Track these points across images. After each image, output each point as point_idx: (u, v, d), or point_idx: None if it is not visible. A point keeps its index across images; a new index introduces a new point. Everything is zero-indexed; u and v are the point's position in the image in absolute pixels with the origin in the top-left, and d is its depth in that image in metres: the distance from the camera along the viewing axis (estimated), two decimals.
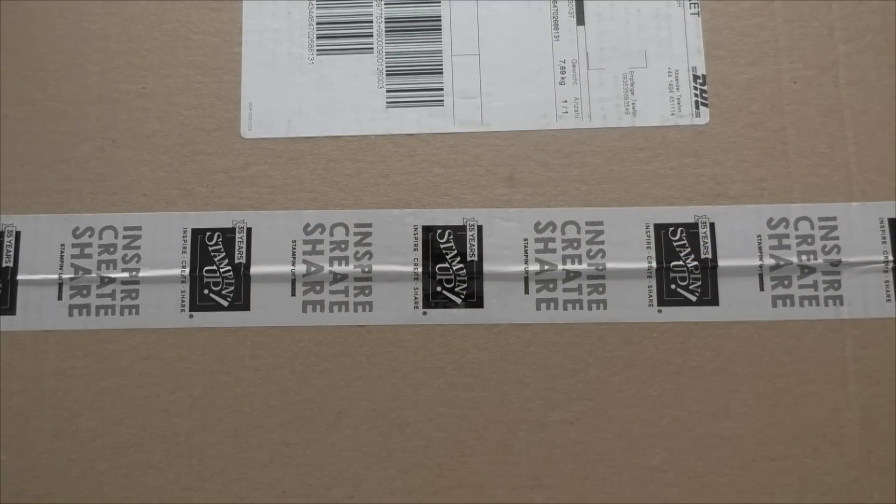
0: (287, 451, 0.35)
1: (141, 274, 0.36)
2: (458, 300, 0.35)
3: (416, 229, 0.36)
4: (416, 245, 0.36)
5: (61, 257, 0.36)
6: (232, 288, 0.36)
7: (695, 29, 0.37)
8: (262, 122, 0.37)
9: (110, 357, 0.35)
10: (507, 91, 0.37)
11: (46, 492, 0.34)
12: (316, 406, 0.35)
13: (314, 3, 0.38)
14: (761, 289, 0.35)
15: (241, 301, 0.36)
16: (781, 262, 0.35)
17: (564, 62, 0.37)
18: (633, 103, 0.37)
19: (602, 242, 0.36)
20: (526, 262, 0.36)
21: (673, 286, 0.35)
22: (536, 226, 0.36)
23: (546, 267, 0.36)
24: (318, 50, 0.38)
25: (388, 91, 0.37)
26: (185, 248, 0.36)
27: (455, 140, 0.37)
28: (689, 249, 0.36)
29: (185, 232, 0.36)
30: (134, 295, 0.36)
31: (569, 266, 0.36)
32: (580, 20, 0.38)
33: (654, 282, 0.35)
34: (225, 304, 0.36)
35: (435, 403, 0.35)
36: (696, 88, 0.37)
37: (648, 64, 0.37)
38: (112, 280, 0.36)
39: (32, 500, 0.34)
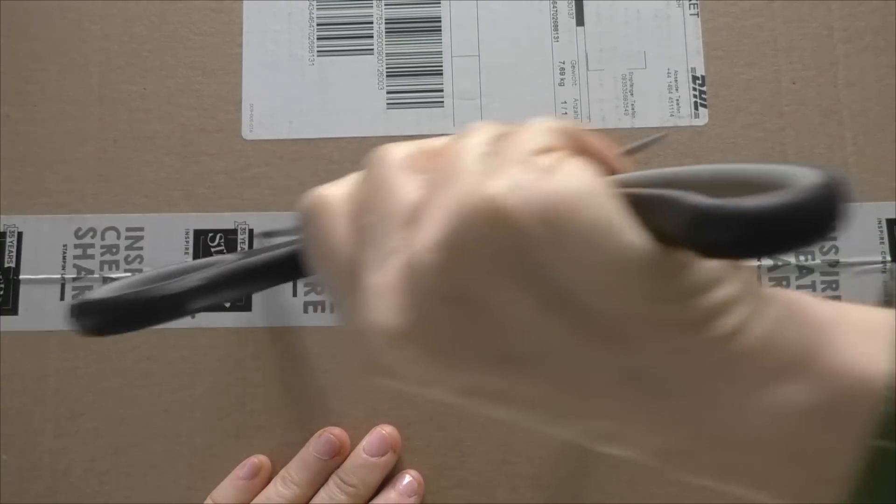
0: (288, 451, 0.35)
1: None
2: None
3: None
4: None
5: (63, 258, 0.36)
6: None
7: (694, 30, 0.37)
8: (263, 124, 0.37)
9: (112, 357, 0.35)
10: (506, 92, 0.37)
11: (47, 491, 0.34)
12: (317, 406, 0.35)
13: (314, 4, 0.38)
14: None
15: (242, 302, 0.36)
16: (779, 263, 0.35)
17: (564, 63, 0.38)
18: (633, 104, 0.37)
19: None
20: None
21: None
22: None
23: None
24: (318, 51, 0.38)
25: (388, 92, 0.37)
26: (187, 248, 0.36)
27: None
28: None
29: (187, 233, 0.36)
30: None
31: None
32: (580, 21, 0.38)
33: None
34: (226, 304, 0.36)
35: (435, 403, 0.35)
36: (695, 89, 0.37)
37: (648, 65, 0.37)
38: (115, 280, 0.36)
39: (33, 500, 0.35)
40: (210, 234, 0.36)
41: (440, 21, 0.38)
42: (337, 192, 0.21)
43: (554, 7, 0.38)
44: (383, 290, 0.18)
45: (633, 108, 0.37)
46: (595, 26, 0.38)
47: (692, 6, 0.38)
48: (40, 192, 0.37)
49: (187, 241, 0.36)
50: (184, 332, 0.36)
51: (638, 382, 0.17)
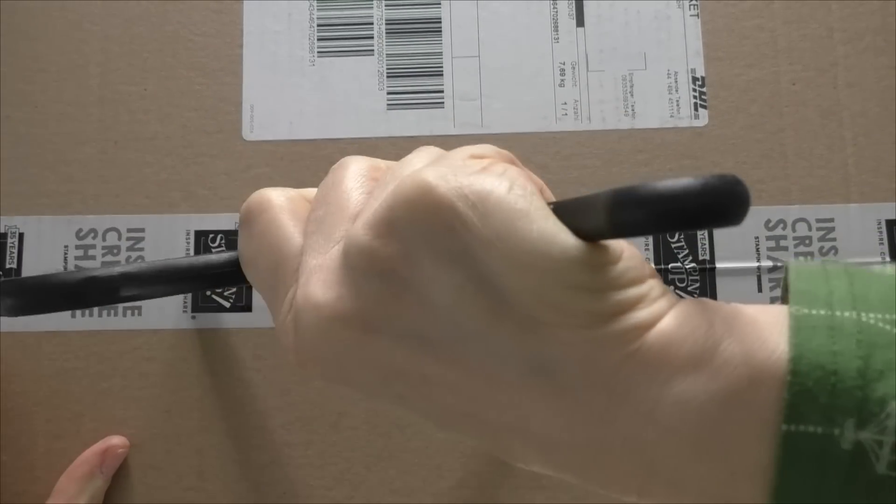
0: (288, 452, 0.35)
1: None
2: None
3: None
4: None
5: (65, 258, 0.36)
6: (234, 289, 0.36)
7: (694, 31, 0.38)
8: (263, 125, 0.37)
9: (112, 358, 0.35)
10: (506, 93, 0.37)
11: (47, 492, 0.34)
12: (317, 407, 0.35)
13: (315, 4, 0.38)
14: (759, 290, 0.35)
15: (242, 302, 0.36)
16: (779, 264, 0.35)
17: (564, 64, 0.38)
18: (633, 105, 0.37)
19: None
20: None
21: (671, 288, 0.35)
22: None
23: None
24: (318, 52, 0.38)
25: (388, 93, 0.37)
26: (188, 249, 0.36)
27: (455, 142, 0.37)
28: (687, 251, 0.36)
29: (188, 234, 0.36)
30: None
31: None
32: (580, 22, 0.38)
33: None
34: (227, 305, 0.36)
35: None
36: (695, 90, 0.37)
37: (648, 66, 0.37)
38: None
39: (33, 500, 0.35)
40: (211, 235, 0.36)
41: (440, 22, 0.38)
42: (278, 191, 0.24)
43: (554, 8, 0.38)
44: (320, 269, 0.20)
45: (633, 109, 0.37)
46: (595, 27, 0.38)
47: (692, 7, 0.38)
48: (41, 194, 0.37)
49: (188, 242, 0.36)
50: (184, 333, 0.36)
51: (547, 374, 0.18)
